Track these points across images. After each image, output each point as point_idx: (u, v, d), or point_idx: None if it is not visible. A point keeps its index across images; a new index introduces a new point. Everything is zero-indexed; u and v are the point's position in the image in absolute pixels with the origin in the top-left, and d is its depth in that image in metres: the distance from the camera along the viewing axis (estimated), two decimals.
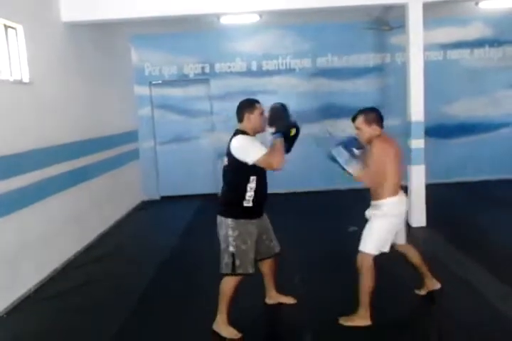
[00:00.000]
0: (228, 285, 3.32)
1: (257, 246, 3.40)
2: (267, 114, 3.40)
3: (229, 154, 3.29)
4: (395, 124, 7.93)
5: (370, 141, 3.41)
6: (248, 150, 3.21)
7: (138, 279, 4.59)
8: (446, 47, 8.13)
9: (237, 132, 3.34)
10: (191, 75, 8.18)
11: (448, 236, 5.36)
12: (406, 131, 5.85)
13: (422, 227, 5.73)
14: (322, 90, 8.15)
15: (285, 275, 4.44)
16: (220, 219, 3.35)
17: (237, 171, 3.29)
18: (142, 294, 4.24)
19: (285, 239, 5.57)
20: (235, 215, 3.28)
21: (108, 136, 6.67)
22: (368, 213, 3.55)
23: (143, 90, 8.21)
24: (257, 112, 3.35)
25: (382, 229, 3.45)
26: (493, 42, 8.13)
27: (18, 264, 4.22)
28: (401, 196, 3.51)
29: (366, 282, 3.40)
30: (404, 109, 5.90)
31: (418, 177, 5.73)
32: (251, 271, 3.31)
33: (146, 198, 8.21)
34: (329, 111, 8.17)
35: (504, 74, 8.18)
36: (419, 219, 5.76)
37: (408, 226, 5.77)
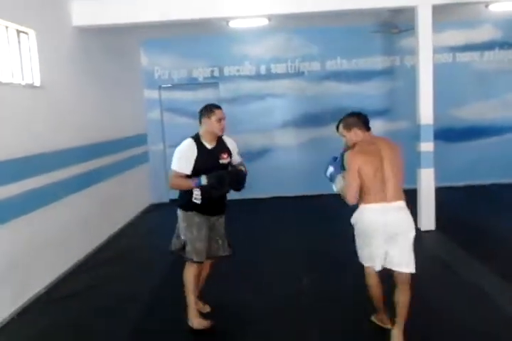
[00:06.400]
0: (187, 272, 3.59)
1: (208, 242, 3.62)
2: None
3: None
4: (404, 127, 8.00)
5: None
6: (175, 158, 3.55)
7: (146, 282, 4.61)
8: (455, 49, 8.09)
9: (193, 136, 3.60)
10: (200, 79, 8.22)
11: (457, 239, 5.33)
12: (415, 134, 5.83)
13: (430, 231, 5.70)
14: (331, 93, 8.15)
15: (293, 277, 4.46)
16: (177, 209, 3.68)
17: None
18: (151, 296, 4.26)
19: (290, 241, 5.64)
20: (184, 208, 3.61)
21: (118, 139, 6.71)
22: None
23: (152, 94, 8.26)
24: (214, 118, 3.53)
25: (358, 240, 3.26)
26: (504, 45, 8.08)
27: (28, 266, 4.26)
28: (381, 206, 3.10)
29: (370, 289, 3.30)
30: (413, 112, 5.88)
31: (427, 181, 5.71)
32: (195, 259, 3.53)
33: (155, 201, 8.24)
34: (338, 115, 8.10)
35: None
36: (428, 223, 5.73)
37: (417, 230, 5.79)
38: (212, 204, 3.58)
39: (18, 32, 4.50)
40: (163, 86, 8.27)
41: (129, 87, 7.56)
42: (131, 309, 4.00)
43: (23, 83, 4.50)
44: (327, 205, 7.47)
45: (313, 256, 5.12)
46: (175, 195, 8.37)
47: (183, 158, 3.50)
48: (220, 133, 3.60)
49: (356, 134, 3.25)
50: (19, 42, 4.52)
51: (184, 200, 3.60)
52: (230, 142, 3.71)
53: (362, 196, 3.13)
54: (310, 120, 8.18)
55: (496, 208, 6.71)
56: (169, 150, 8.41)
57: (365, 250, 3.22)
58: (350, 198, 3.11)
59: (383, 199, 3.10)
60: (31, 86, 4.60)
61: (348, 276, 4.23)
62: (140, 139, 7.92)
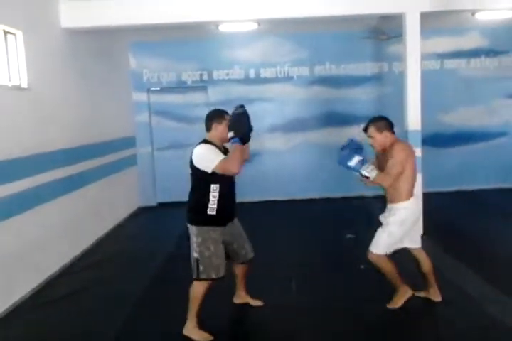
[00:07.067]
0: (196, 289, 3.42)
1: (227, 252, 3.52)
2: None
3: (191, 163, 3.38)
4: None
5: (384, 148, 3.58)
6: (206, 158, 3.30)
7: (134, 285, 4.57)
8: (443, 56, 8.19)
9: (202, 141, 3.43)
10: (189, 82, 8.20)
11: (445, 244, 5.36)
12: (403, 139, 5.86)
13: None
14: (320, 98, 8.18)
15: (282, 281, 4.45)
16: (188, 225, 3.48)
17: (199, 180, 3.39)
18: (139, 300, 4.23)
19: (282, 245, 5.63)
20: (198, 222, 3.40)
21: (106, 141, 6.67)
22: (383, 218, 3.69)
23: (141, 96, 8.22)
24: (225, 123, 3.40)
25: (397, 235, 3.60)
26: (489, 52, 8.20)
27: (14, 270, 4.20)
28: (416, 198, 3.67)
29: (387, 270, 3.64)
30: (401, 118, 5.91)
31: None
32: (214, 276, 3.38)
33: (142, 204, 8.19)
34: (327, 119, 8.21)
35: (500, 84, 8.23)
36: None
37: None
38: (226, 211, 3.45)
39: (6, 33, 4.45)
40: (151, 89, 8.24)
41: (117, 90, 7.53)
42: (120, 312, 3.97)
43: (10, 84, 4.45)
44: (317, 209, 7.51)
45: (310, 257, 5.14)
46: (163, 198, 8.24)
47: (215, 152, 3.30)
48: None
49: (386, 136, 3.62)
50: (6, 43, 4.47)
51: (198, 214, 3.40)
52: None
53: (401, 190, 3.55)
54: (299, 125, 8.21)
55: (483, 213, 6.77)
56: (157, 153, 8.38)
57: (396, 239, 3.59)
58: (391, 184, 3.53)
59: (413, 192, 3.64)
60: (18, 87, 4.55)
61: (347, 277, 4.28)
62: (128, 142, 7.88)
